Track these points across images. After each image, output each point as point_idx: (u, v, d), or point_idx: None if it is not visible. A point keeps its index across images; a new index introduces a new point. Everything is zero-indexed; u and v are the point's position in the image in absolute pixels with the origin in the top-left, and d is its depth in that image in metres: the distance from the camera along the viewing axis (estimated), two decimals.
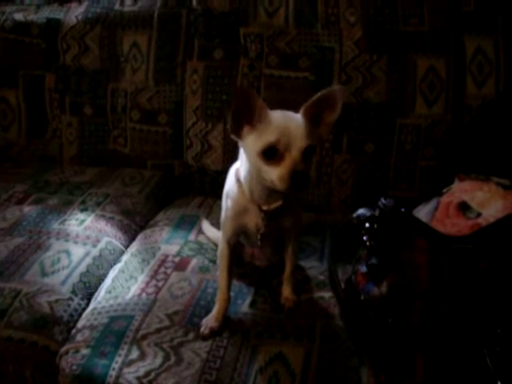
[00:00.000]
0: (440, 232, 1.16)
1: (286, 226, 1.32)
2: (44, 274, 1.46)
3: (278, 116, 1.16)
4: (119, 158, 2.08)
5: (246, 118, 1.15)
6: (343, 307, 1.28)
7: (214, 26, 1.91)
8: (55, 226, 1.66)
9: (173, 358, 1.21)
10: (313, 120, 1.17)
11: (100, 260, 1.57)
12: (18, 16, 2.12)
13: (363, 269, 1.19)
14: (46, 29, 2.08)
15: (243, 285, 1.43)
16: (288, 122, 1.14)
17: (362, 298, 1.18)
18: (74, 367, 1.23)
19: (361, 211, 1.27)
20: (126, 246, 1.67)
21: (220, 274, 1.34)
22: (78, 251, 1.56)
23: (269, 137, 1.12)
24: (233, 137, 1.19)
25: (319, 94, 1.16)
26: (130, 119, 2.04)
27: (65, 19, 2.07)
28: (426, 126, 1.79)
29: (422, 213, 1.30)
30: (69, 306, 1.40)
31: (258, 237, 1.29)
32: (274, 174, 1.12)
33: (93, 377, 1.20)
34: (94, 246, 1.60)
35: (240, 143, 1.21)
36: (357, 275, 1.21)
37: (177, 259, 1.53)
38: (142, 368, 1.20)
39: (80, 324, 1.34)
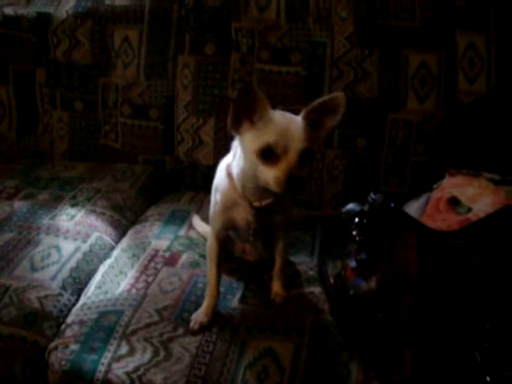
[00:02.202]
0: (430, 227, 1.16)
1: (276, 222, 1.31)
2: (34, 269, 1.46)
3: (278, 117, 1.15)
4: (110, 153, 2.07)
5: (246, 113, 1.14)
6: (333, 302, 1.28)
7: (205, 20, 1.90)
8: (45, 221, 1.65)
9: (162, 353, 1.21)
10: (312, 124, 1.16)
11: (90, 255, 1.56)
12: (8, 10, 2.10)
13: (352, 264, 1.19)
14: (36, 23, 2.06)
15: (233, 280, 1.43)
16: (288, 124, 1.13)
17: (352, 293, 1.18)
18: (64, 362, 1.22)
19: (350, 206, 1.27)
20: (117, 242, 1.67)
21: (209, 268, 1.34)
22: (68, 246, 1.56)
23: (267, 137, 1.11)
24: (231, 131, 1.18)
25: (321, 99, 1.16)
26: (121, 114, 2.03)
27: (55, 13, 2.06)
28: (417, 122, 1.79)
29: (413, 208, 1.30)
30: (58, 301, 1.40)
31: (251, 232, 1.28)
32: (270, 175, 1.11)
33: (82, 372, 1.20)
34: (85, 241, 1.60)
35: (238, 138, 1.20)
36: (346, 270, 1.21)
37: (167, 254, 1.53)
38: (131, 363, 1.19)
39: (69, 319, 1.34)
